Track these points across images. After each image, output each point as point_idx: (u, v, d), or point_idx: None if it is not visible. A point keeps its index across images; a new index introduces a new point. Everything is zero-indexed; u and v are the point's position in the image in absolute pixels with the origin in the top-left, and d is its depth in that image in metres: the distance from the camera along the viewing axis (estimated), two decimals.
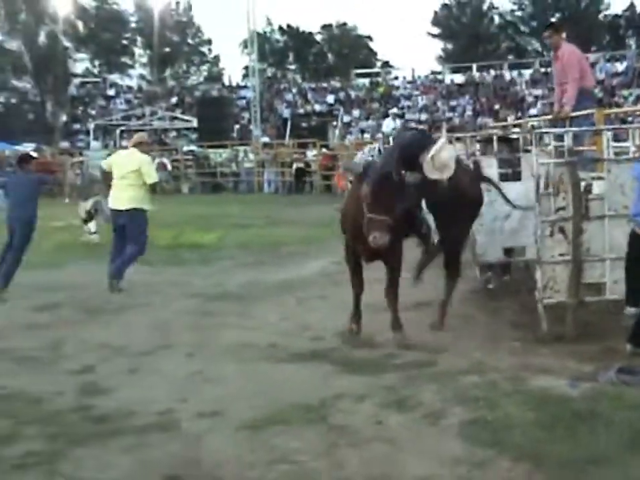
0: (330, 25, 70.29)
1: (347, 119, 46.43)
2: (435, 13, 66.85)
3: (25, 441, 4.85)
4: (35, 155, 13.60)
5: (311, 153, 31.66)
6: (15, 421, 5.18)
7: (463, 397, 5.37)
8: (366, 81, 52.47)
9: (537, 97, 44.49)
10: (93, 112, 52.03)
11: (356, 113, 47.19)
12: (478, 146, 10.68)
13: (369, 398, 5.43)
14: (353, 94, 49.96)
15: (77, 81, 60.85)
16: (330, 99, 49.17)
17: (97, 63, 70.05)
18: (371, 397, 5.45)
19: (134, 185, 10.07)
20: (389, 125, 42.32)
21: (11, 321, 8.29)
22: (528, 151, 8.57)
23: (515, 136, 10.25)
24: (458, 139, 15.56)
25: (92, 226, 15.07)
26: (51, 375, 6.31)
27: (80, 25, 68.03)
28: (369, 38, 69.95)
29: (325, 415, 5.11)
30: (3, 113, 68.28)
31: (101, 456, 4.61)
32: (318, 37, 70.90)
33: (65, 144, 46.45)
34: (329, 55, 70.38)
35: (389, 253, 6.91)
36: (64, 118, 57.08)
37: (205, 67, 72.87)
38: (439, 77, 51.56)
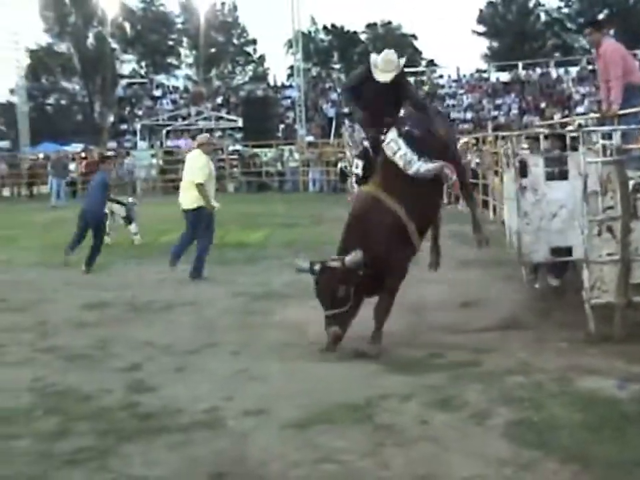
0: (374, 24, 70.28)
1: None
2: (480, 10, 66.48)
3: (75, 437, 4.91)
4: (110, 154, 14.53)
5: None
6: (66, 418, 5.25)
7: (509, 398, 5.33)
8: (411, 79, 52.26)
9: (584, 95, 44.00)
10: (140, 112, 52.52)
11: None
12: (525, 144, 10.58)
13: (414, 397, 5.42)
14: None
15: (124, 82, 61.52)
16: None
17: (143, 64, 70.78)
18: (417, 396, 5.44)
19: (192, 184, 10.80)
20: None
21: (62, 319, 8.42)
22: (575, 150, 8.47)
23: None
24: (504, 137, 15.45)
25: (133, 227, 15.04)
26: (99, 372, 6.39)
27: (127, 26, 68.89)
28: (414, 37, 69.77)
29: (370, 414, 5.11)
30: (52, 114, 69.40)
31: (149, 453, 4.65)
32: (362, 36, 70.91)
33: (112, 144, 47.00)
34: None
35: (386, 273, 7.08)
36: (111, 118, 57.79)
37: (250, 67, 73.24)
38: (485, 75, 51.20)
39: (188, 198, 10.89)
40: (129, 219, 15.06)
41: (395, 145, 7.20)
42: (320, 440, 4.73)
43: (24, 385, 6.00)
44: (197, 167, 10.93)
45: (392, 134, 7.27)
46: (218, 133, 45.26)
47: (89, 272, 11.52)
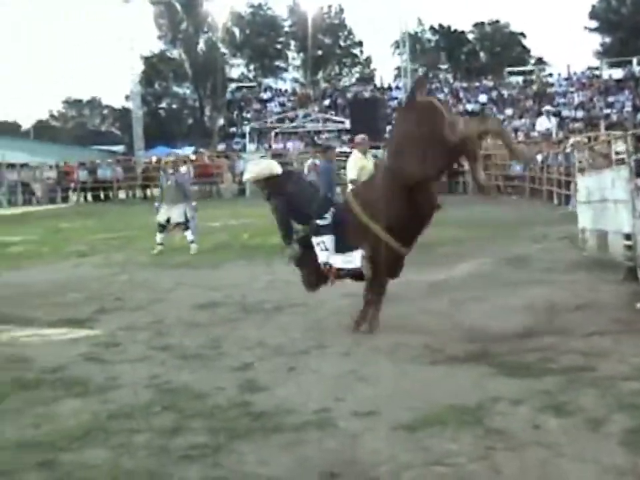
0: (482, 23, 69.44)
1: (499, 117, 45.56)
2: (593, 6, 64.74)
3: (190, 434, 5.03)
4: (333, 145, 15.82)
5: None
6: (180, 415, 5.38)
7: (625, 404, 5.17)
8: (519, 78, 51.44)
9: None
10: (249, 115, 53.32)
11: (509, 111, 46.33)
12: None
13: (526, 401, 5.32)
14: (505, 93, 49.04)
15: (233, 85, 62.62)
16: (482, 98, 48.47)
17: (252, 67, 71.86)
18: (528, 400, 5.34)
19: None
20: (542, 123, 41.42)
21: (176, 318, 8.65)
22: None
23: None
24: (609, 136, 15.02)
25: (159, 237, 14.70)
26: (212, 371, 6.52)
27: (236, 31, 70.07)
28: (522, 35, 68.58)
29: (481, 418, 5.05)
30: (164, 118, 71.23)
31: (261, 451, 4.72)
32: (470, 36, 70.16)
33: (222, 147, 47.85)
34: (481, 54, 69.46)
35: None
36: (221, 121, 58.84)
37: (356, 69, 73.43)
38: (597, 72, 49.83)
39: None
40: (162, 227, 14.75)
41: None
42: (430, 442, 4.70)
43: (142, 382, 6.19)
44: (348, 165, 12.63)
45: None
46: (325, 135, 45.59)
47: None
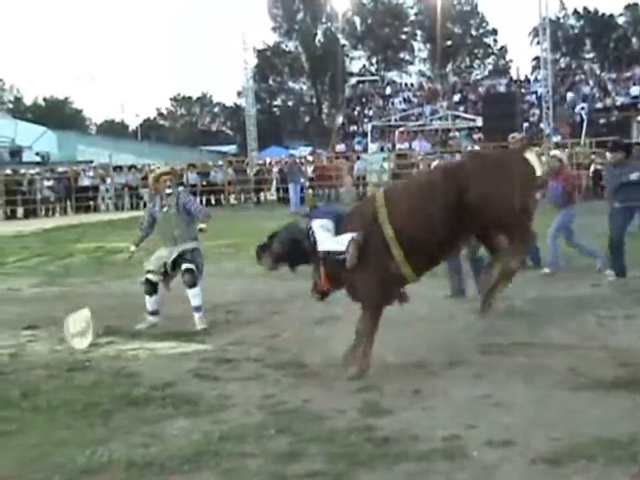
0: (635, 5, 67.48)
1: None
2: None
3: (306, 460, 5.06)
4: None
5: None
6: (296, 439, 5.42)
7: None
8: None
9: None
10: (370, 112, 53.48)
11: None
12: None
13: None
14: None
15: (353, 80, 62.99)
16: (634, 90, 47.07)
17: (374, 60, 72.12)
18: None
19: None
20: None
21: (292, 333, 8.74)
22: None
23: None
24: None
25: (150, 303, 9.69)
26: (332, 391, 6.56)
27: (357, 21, 70.48)
28: None
29: (635, 454, 4.86)
30: (278, 116, 72.32)
31: None
32: (620, 20, 68.33)
33: (341, 147, 48.11)
34: (633, 40, 67.53)
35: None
36: (340, 119, 59.23)
37: (489, 60, 72.77)
38: None
39: None
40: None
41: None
42: (576, 479, 4.58)
43: (255, 402, 6.29)
44: None
45: None
46: (455, 134, 45.27)
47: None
